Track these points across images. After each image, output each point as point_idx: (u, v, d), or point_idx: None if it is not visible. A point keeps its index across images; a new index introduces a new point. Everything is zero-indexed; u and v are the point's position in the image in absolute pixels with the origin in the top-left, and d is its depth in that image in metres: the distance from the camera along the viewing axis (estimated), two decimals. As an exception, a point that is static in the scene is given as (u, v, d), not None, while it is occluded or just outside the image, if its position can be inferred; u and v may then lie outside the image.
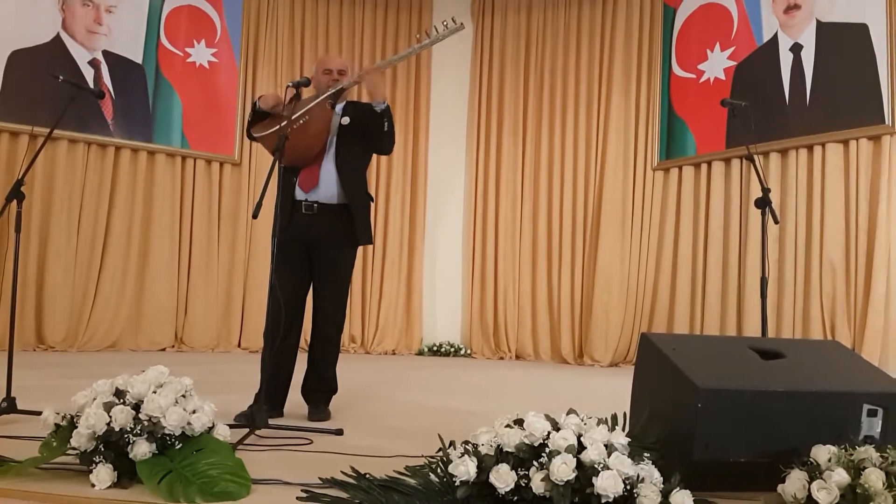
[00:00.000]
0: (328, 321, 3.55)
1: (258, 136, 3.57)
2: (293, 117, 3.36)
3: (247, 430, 2.77)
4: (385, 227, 8.43)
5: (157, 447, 2.06)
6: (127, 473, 2.03)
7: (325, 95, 3.52)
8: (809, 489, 1.83)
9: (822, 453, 1.90)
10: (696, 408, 2.02)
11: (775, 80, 6.59)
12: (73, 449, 2.07)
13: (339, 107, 3.61)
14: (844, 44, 6.16)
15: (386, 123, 3.49)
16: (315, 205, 3.47)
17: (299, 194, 3.48)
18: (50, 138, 3.45)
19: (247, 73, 8.01)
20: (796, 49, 6.50)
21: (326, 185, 3.49)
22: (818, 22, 6.37)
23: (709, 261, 6.98)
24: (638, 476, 1.77)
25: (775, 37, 6.68)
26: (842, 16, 6.21)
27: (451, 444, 1.95)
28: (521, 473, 1.78)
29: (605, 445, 1.81)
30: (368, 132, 3.55)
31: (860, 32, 6.05)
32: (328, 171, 3.50)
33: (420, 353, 8.34)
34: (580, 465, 1.76)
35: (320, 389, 3.55)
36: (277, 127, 3.24)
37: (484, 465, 1.81)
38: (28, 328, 6.73)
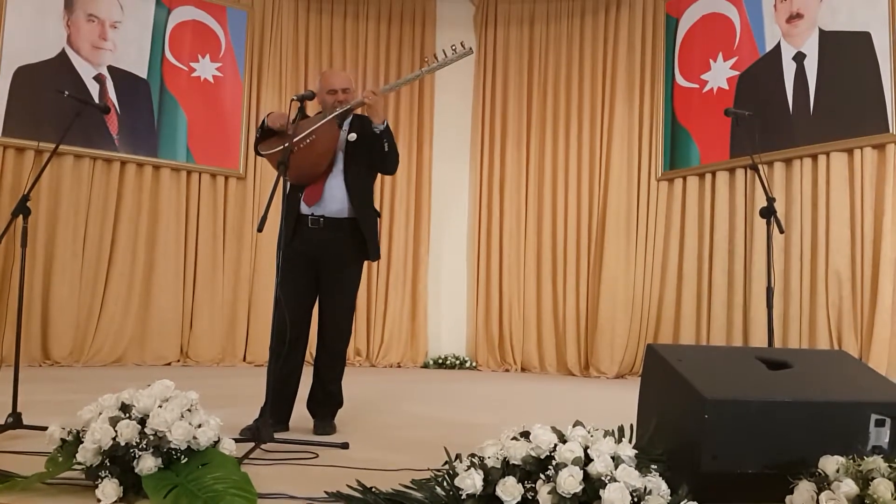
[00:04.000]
0: (334, 335, 3.55)
1: (265, 154, 3.59)
2: (300, 136, 3.38)
3: (252, 444, 2.76)
4: (390, 239, 8.43)
5: (162, 461, 2.06)
6: (133, 488, 2.03)
7: (333, 115, 3.52)
8: (818, 500, 1.82)
9: (831, 464, 1.89)
10: (704, 419, 2.01)
11: (779, 90, 6.60)
12: (79, 464, 2.07)
13: (345, 122, 3.62)
14: (847, 52, 6.17)
15: (386, 144, 3.50)
16: (321, 219, 3.47)
17: (304, 209, 3.48)
18: (55, 153, 3.47)
19: (251, 88, 8.05)
20: (799, 58, 6.51)
21: (332, 200, 3.49)
22: (821, 31, 6.38)
23: (714, 271, 6.96)
24: (645, 488, 1.76)
25: (778, 46, 6.69)
26: (844, 24, 6.21)
27: (458, 456, 1.95)
28: (528, 486, 1.78)
29: (612, 457, 1.80)
30: (372, 150, 3.57)
31: (863, 41, 6.05)
32: (333, 187, 3.50)
33: (425, 365, 8.32)
34: (587, 477, 1.75)
35: (326, 403, 3.55)
36: (284, 146, 3.25)
37: (490, 478, 1.80)
38: (34, 343, 6.75)
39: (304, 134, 3.42)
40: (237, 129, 7.92)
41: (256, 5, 8.17)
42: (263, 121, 3.62)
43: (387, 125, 3.51)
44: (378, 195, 8.31)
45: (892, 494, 1.75)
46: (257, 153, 3.68)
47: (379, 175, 3.79)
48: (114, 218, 7.27)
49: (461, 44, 3.57)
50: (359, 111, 3.69)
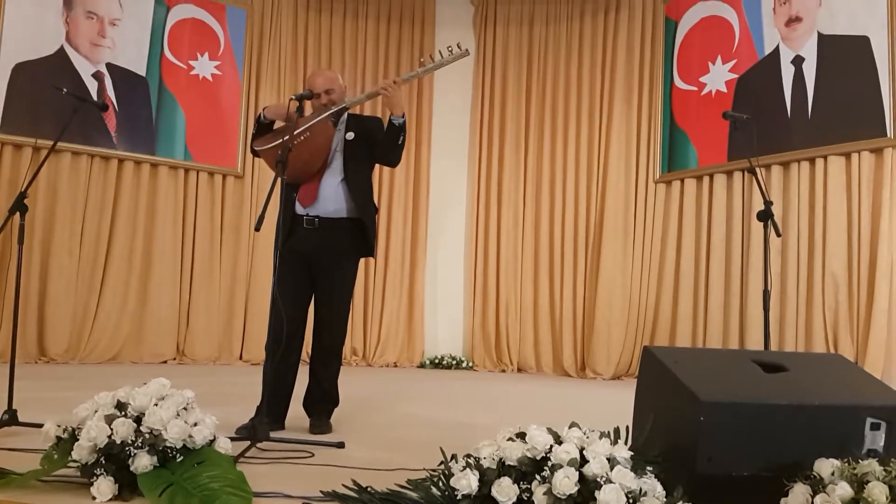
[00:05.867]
0: (330, 334, 3.55)
1: (260, 150, 3.58)
2: (295, 132, 3.37)
3: (248, 442, 2.76)
4: (387, 239, 8.43)
5: (158, 460, 2.05)
6: (128, 486, 2.03)
7: (328, 113, 3.52)
8: (813, 503, 1.82)
9: (826, 467, 1.90)
10: (699, 421, 2.01)
11: (777, 93, 6.60)
12: (75, 461, 2.06)
13: (340, 122, 3.62)
14: (846, 56, 6.18)
15: (401, 137, 3.51)
16: (316, 219, 3.48)
17: (299, 209, 3.49)
18: (53, 151, 3.46)
19: (250, 86, 8.04)
20: (798, 61, 6.52)
21: (327, 200, 3.49)
22: (819, 34, 6.39)
23: (711, 273, 6.97)
24: (640, 490, 1.76)
25: (777, 49, 6.70)
26: (843, 28, 6.22)
27: (453, 457, 1.95)
28: (524, 487, 1.78)
29: (608, 459, 1.80)
30: (375, 145, 3.57)
31: (861, 45, 6.07)
32: (329, 186, 3.51)
33: (422, 365, 8.32)
34: (582, 478, 1.75)
35: (322, 402, 3.55)
36: (279, 141, 3.25)
37: (486, 479, 1.80)
38: (30, 340, 6.74)
39: (298, 131, 3.41)
40: (235, 127, 7.92)
41: (255, 4, 8.16)
42: (260, 115, 3.61)
43: (405, 118, 3.51)
44: (375, 195, 8.25)
45: (887, 498, 1.76)
46: (252, 151, 3.66)
47: (376, 174, 3.80)
48: (111, 216, 7.26)
49: (458, 45, 3.57)
50: (354, 110, 3.68)
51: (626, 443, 1.97)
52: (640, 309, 7.58)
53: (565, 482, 1.73)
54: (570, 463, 1.77)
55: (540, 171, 8.32)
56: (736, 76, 7.02)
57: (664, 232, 7.52)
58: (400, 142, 3.52)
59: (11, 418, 2.96)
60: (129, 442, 2.04)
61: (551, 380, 7.48)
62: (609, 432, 1.99)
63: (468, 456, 1.90)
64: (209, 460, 2.10)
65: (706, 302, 6.99)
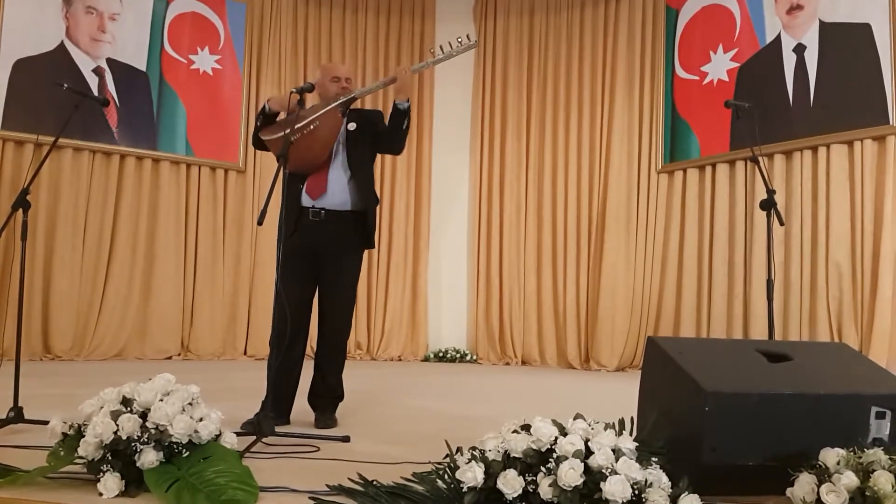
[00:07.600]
0: (334, 328, 3.55)
1: (267, 140, 3.55)
2: (304, 123, 3.37)
3: (254, 437, 2.76)
4: (390, 233, 8.43)
5: (164, 455, 2.06)
6: (134, 482, 2.03)
7: (338, 103, 3.51)
8: (818, 492, 1.83)
9: (831, 456, 1.90)
10: (704, 411, 2.02)
11: (779, 82, 6.58)
12: (81, 458, 2.07)
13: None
14: (848, 44, 6.16)
15: (406, 121, 3.54)
16: (322, 211, 3.46)
17: (306, 201, 3.47)
18: (55, 147, 3.45)
19: (250, 80, 8.03)
20: (799, 50, 6.50)
21: (335, 192, 3.48)
22: (821, 22, 6.37)
23: (714, 263, 6.96)
24: (646, 480, 1.76)
25: (778, 37, 6.68)
26: (845, 16, 6.20)
27: (458, 450, 1.95)
28: (529, 479, 1.78)
29: (613, 450, 1.80)
30: (378, 135, 3.59)
31: (863, 32, 6.04)
32: (336, 178, 3.50)
33: (426, 359, 8.33)
34: (588, 470, 1.75)
35: (327, 396, 3.55)
36: (286, 132, 3.23)
37: (491, 471, 1.80)
38: (35, 337, 6.75)
39: (307, 120, 3.40)
40: (236, 121, 7.91)
41: (255, -3, 8.15)
42: (264, 106, 3.60)
43: (409, 104, 3.56)
44: (378, 188, 8.29)
45: (893, 486, 1.76)
46: (256, 142, 3.62)
47: (378, 167, 3.80)
48: (113, 211, 7.27)
49: (467, 36, 3.59)
50: (356, 104, 3.68)
51: (630, 434, 1.97)
52: (643, 300, 7.58)
53: (570, 474, 1.73)
54: (576, 454, 1.77)
55: (542, 162, 8.31)
56: (737, 65, 7.00)
57: (667, 222, 7.51)
58: (405, 126, 3.55)
59: (17, 415, 2.97)
60: (135, 437, 2.05)
61: (555, 372, 7.49)
62: (614, 424, 1.99)
63: (473, 448, 1.90)
64: (215, 455, 2.11)
65: (710, 292, 6.99)
